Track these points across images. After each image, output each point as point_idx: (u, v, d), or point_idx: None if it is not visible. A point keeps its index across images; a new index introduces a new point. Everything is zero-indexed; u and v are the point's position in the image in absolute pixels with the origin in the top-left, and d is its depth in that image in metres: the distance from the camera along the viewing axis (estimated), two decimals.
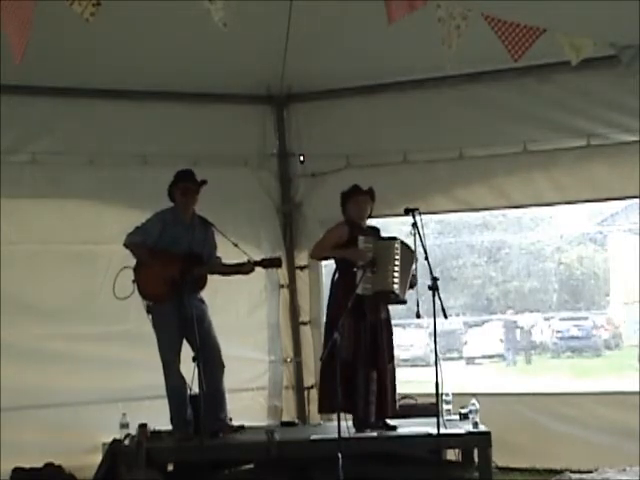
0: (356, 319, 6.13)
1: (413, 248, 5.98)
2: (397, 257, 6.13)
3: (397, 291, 6.12)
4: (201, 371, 5.54)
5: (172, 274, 6.09)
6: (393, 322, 6.46)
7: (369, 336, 6.22)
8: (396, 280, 6.11)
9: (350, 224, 6.33)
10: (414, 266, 6.07)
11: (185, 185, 6.28)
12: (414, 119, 7.34)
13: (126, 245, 6.25)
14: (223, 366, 6.32)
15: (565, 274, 16.47)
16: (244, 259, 6.22)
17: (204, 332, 6.20)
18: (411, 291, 6.18)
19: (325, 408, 6.25)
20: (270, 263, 6.46)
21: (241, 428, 6.43)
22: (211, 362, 6.22)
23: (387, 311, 6.37)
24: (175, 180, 6.31)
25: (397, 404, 6.41)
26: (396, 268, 6.12)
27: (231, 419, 6.42)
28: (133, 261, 6.25)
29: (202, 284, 6.30)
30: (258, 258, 6.38)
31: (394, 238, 6.25)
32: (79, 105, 7.12)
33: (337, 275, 6.35)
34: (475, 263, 16.49)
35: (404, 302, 6.17)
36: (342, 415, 5.57)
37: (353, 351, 6.14)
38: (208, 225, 6.33)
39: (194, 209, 6.35)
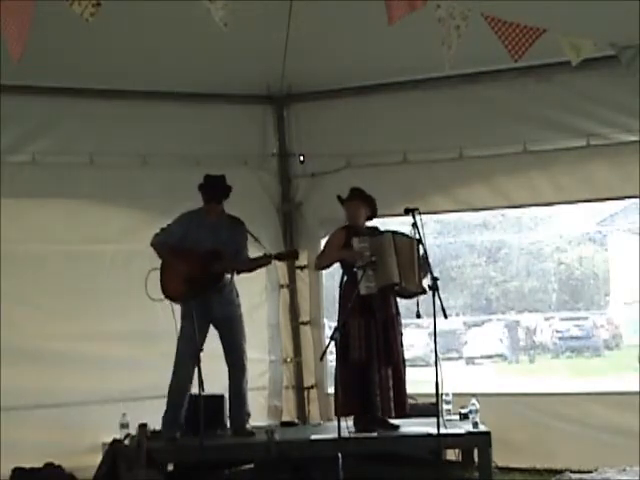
0: (366, 318, 6.17)
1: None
2: (392, 249, 6.16)
3: (397, 280, 6.13)
4: (201, 371, 5.54)
5: (191, 273, 6.11)
6: None
7: (381, 334, 6.25)
8: (396, 272, 6.13)
9: (348, 228, 6.40)
10: (420, 253, 6.03)
11: (207, 197, 6.36)
12: (414, 119, 7.34)
13: (152, 245, 6.32)
14: (244, 368, 6.40)
15: (565, 274, 16.43)
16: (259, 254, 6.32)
17: (228, 333, 6.31)
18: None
19: (339, 410, 6.14)
20: (287, 256, 6.57)
21: (252, 434, 6.43)
22: (231, 364, 6.31)
23: (396, 307, 6.40)
24: (200, 186, 6.36)
25: (408, 402, 6.44)
26: (394, 259, 6.14)
27: (249, 415, 6.50)
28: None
29: (219, 281, 6.30)
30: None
31: (386, 231, 6.29)
32: (79, 105, 7.12)
33: (344, 277, 6.39)
34: (475, 263, 16.46)
35: (424, 292, 6.07)
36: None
37: (365, 350, 6.17)
38: (237, 224, 6.37)
39: (222, 208, 6.42)
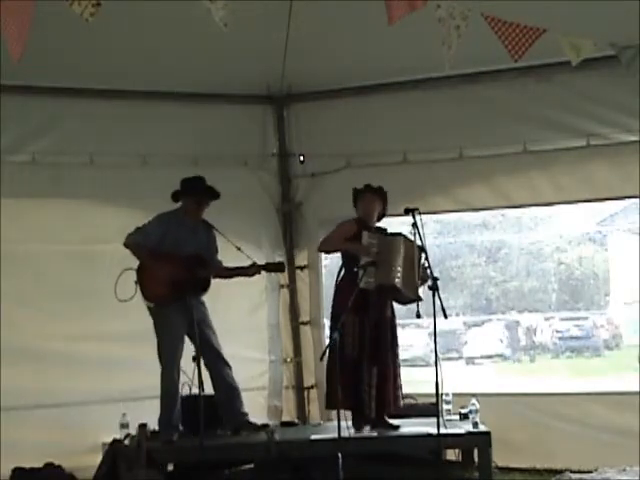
0: (360, 316, 6.16)
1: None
2: (401, 253, 6.14)
3: (398, 284, 6.12)
4: (201, 371, 5.55)
5: (176, 276, 6.11)
6: None
7: (373, 333, 6.24)
8: (398, 275, 6.12)
9: (359, 222, 6.38)
10: (422, 260, 6.04)
11: (201, 199, 6.32)
12: (414, 119, 7.34)
13: (126, 245, 6.27)
14: (228, 362, 6.38)
15: (565, 274, 16.44)
16: (245, 261, 6.28)
17: (207, 334, 6.26)
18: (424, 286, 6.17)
19: (331, 405, 6.23)
20: (274, 268, 6.55)
21: (265, 426, 6.42)
22: (215, 362, 6.28)
23: (392, 311, 6.39)
24: (188, 189, 6.32)
25: (400, 403, 6.42)
26: (399, 263, 6.13)
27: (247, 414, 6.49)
28: (134, 262, 6.26)
29: (206, 286, 6.32)
30: (258, 259, 6.43)
31: (399, 234, 6.27)
32: (79, 105, 7.12)
33: (343, 272, 6.38)
34: (475, 263, 16.47)
35: (419, 299, 6.05)
36: (342, 414, 5.58)
37: (358, 347, 6.17)
38: (210, 228, 6.36)
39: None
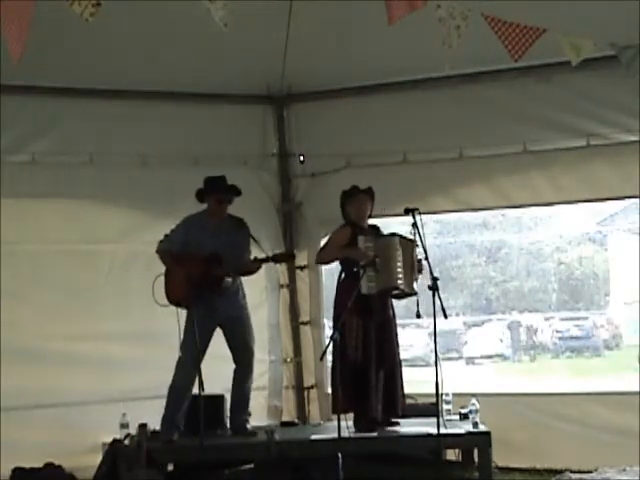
0: (363, 318, 6.16)
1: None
2: (399, 253, 6.15)
3: (402, 286, 6.13)
4: (201, 371, 5.55)
5: (192, 276, 6.12)
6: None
7: (378, 335, 6.24)
8: (400, 276, 6.13)
9: (351, 225, 6.37)
10: (416, 252, 6.05)
11: (222, 196, 6.34)
12: (414, 119, 7.34)
13: (157, 252, 6.34)
14: (250, 368, 6.45)
15: (565, 274, 16.45)
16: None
17: (237, 333, 6.34)
18: (420, 276, 6.19)
19: (337, 408, 6.22)
20: (283, 258, 6.62)
21: (253, 434, 6.45)
22: (238, 363, 6.38)
23: (393, 309, 6.40)
24: (210, 188, 6.34)
25: (404, 402, 6.45)
26: (399, 264, 6.14)
27: (250, 414, 6.54)
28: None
29: (218, 283, 6.31)
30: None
31: (394, 234, 6.28)
32: (79, 105, 7.12)
33: (342, 275, 6.38)
34: (475, 263, 16.48)
35: (415, 294, 6.13)
36: (342, 415, 5.59)
37: (362, 349, 6.16)
38: (240, 226, 6.38)
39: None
